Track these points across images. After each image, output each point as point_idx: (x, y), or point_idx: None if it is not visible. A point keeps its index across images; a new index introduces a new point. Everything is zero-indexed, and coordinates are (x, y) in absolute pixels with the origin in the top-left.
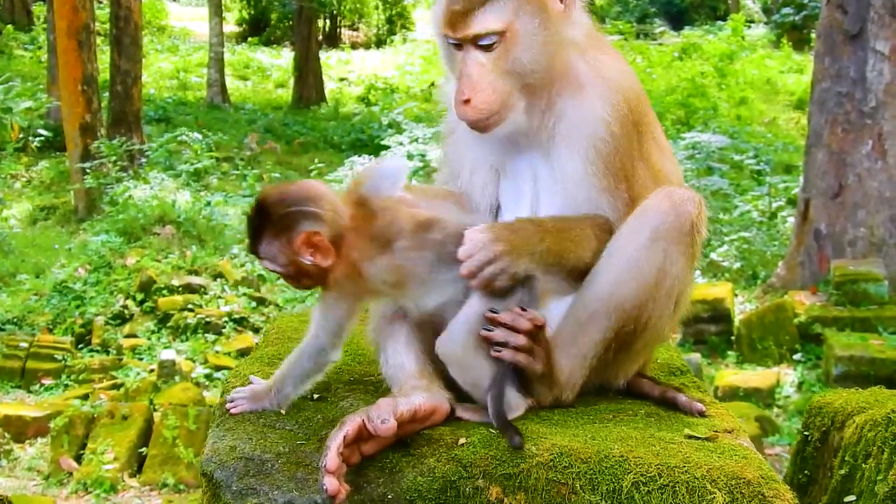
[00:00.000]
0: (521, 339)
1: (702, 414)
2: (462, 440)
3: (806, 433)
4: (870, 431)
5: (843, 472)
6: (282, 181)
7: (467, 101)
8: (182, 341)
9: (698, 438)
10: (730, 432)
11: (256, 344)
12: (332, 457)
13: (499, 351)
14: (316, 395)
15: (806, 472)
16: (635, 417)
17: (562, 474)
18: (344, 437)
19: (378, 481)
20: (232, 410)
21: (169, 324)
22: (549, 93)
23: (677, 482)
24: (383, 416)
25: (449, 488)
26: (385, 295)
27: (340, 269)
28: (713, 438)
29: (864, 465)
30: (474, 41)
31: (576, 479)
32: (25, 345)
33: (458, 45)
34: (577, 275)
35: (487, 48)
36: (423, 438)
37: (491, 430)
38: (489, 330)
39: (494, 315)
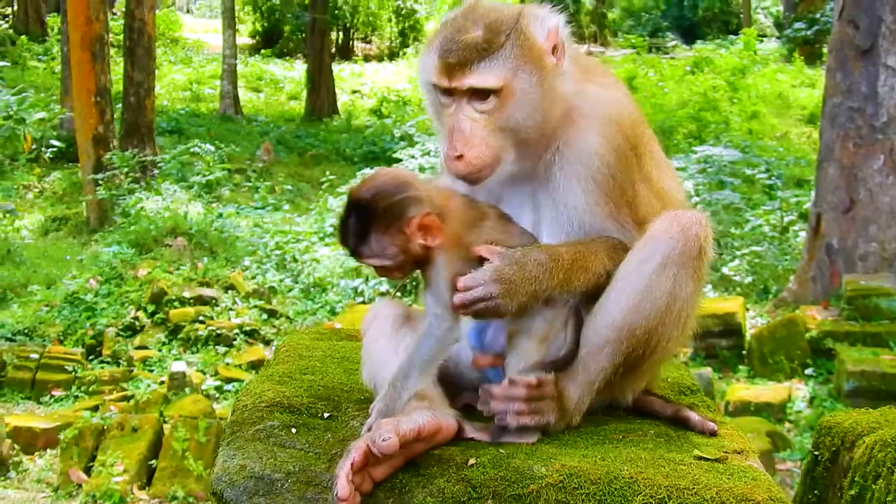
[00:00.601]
0: (520, 406)
1: (713, 433)
2: (472, 461)
3: (816, 453)
4: (879, 452)
5: (852, 492)
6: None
7: (460, 157)
8: (193, 353)
9: (708, 460)
10: (739, 453)
11: (267, 361)
12: (342, 485)
13: (502, 419)
14: (326, 414)
15: (816, 492)
16: (645, 438)
17: (571, 496)
18: (351, 464)
19: (388, 502)
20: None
21: (180, 335)
22: (541, 136)
23: None
24: (385, 436)
25: None
26: None
27: (444, 247)
28: (723, 460)
29: (873, 486)
30: (468, 94)
31: (585, 500)
32: (36, 356)
33: (449, 93)
34: (589, 294)
35: (481, 102)
36: (432, 459)
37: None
38: (486, 404)
39: (488, 389)
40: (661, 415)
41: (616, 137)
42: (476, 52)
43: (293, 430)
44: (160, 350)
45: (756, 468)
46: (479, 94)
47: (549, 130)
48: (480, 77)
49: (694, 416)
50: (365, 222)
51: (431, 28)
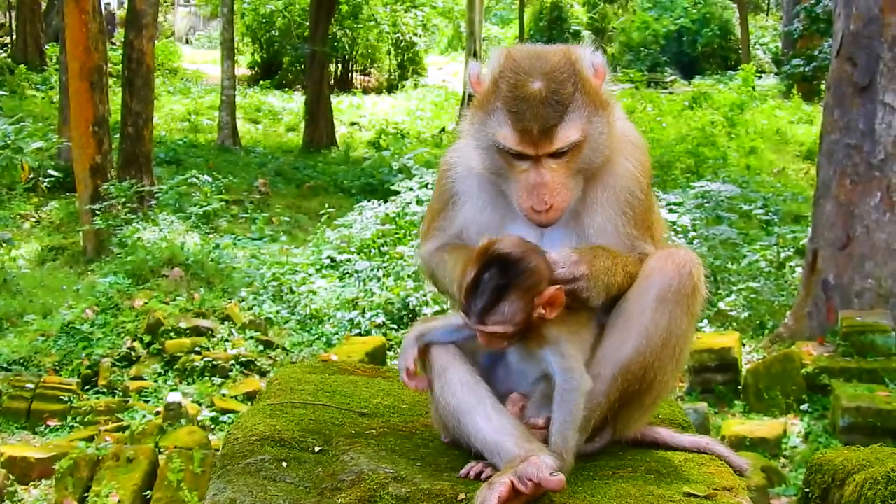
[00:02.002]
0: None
1: (742, 473)
2: (461, 496)
3: (807, 490)
4: (869, 490)
5: None
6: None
7: (549, 209)
8: (188, 384)
9: (697, 496)
10: (729, 490)
11: (258, 395)
12: None
13: None
14: (317, 448)
15: None
16: (634, 474)
17: None
18: (499, 498)
19: None
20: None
21: (176, 366)
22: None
23: None
24: (552, 471)
25: None
26: None
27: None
28: (711, 496)
29: None
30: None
31: None
32: (31, 386)
33: (527, 156)
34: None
35: (561, 155)
36: (423, 494)
37: None
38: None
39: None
40: (673, 446)
41: (645, 163)
42: (553, 112)
43: (284, 464)
44: (156, 381)
45: None
46: (564, 148)
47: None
48: (564, 138)
49: (723, 450)
50: (504, 287)
51: (474, 77)
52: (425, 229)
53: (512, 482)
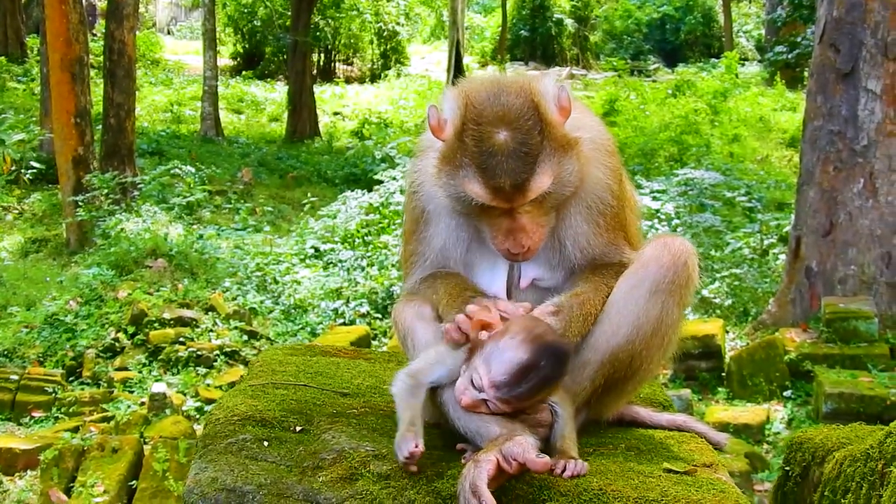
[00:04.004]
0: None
1: (720, 448)
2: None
3: (787, 468)
4: (849, 467)
5: None
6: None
7: (526, 251)
8: (173, 374)
9: (677, 472)
10: (709, 466)
11: (241, 377)
12: (488, 497)
13: None
14: (298, 428)
15: None
16: (615, 451)
17: None
18: (488, 475)
19: None
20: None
21: (160, 357)
22: None
23: None
24: (536, 452)
25: None
26: None
27: None
28: (692, 472)
29: (843, 501)
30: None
31: None
32: (16, 377)
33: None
34: None
35: (534, 200)
36: (403, 471)
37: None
38: None
39: None
40: (651, 425)
41: (615, 166)
42: (523, 166)
43: (265, 444)
44: (140, 371)
45: (725, 481)
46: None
47: None
48: (536, 189)
49: (700, 426)
50: (552, 380)
51: (434, 122)
52: (404, 257)
53: (497, 461)
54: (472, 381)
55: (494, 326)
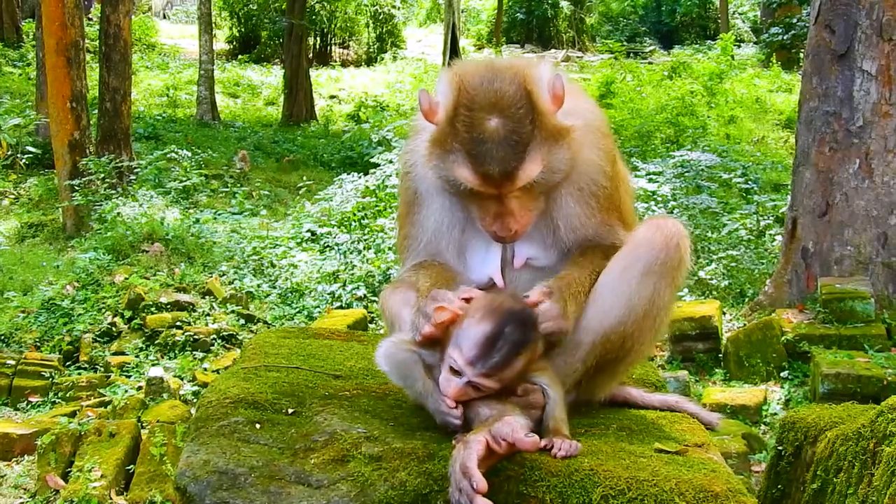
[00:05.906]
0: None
1: (712, 427)
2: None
3: (780, 448)
4: (841, 446)
5: (815, 486)
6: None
7: (514, 234)
8: (170, 358)
9: (668, 452)
10: (700, 446)
11: (234, 360)
12: (480, 478)
13: None
14: (290, 410)
15: (779, 486)
16: (607, 431)
17: (532, 488)
18: (478, 456)
19: (350, 495)
20: None
21: (157, 341)
22: None
23: (646, 495)
24: (525, 432)
25: (420, 502)
26: None
27: None
28: (683, 452)
29: (835, 480)
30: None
31: (546, 492)
32: (13, 362)
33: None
34: None
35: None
36: (395, 452)
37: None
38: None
39: None
40: (643, 406)
41: (608, 147)
42: (513, 153)
43: (257, 426)
44: (137, 356)
45: (716, 460)
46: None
47: None
48: (526, 177)
49: (692, 407)
50: (522, 344)
51: (425, 106)
52: (399, 242)
53: (487, 441)
54: (450, 368)
55: (457, 317)
